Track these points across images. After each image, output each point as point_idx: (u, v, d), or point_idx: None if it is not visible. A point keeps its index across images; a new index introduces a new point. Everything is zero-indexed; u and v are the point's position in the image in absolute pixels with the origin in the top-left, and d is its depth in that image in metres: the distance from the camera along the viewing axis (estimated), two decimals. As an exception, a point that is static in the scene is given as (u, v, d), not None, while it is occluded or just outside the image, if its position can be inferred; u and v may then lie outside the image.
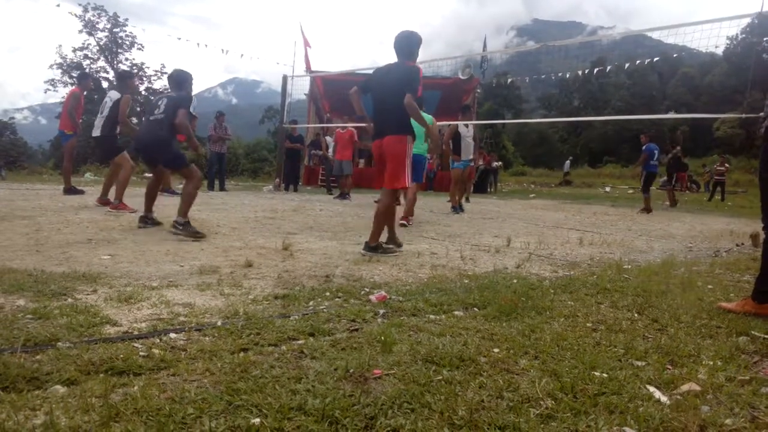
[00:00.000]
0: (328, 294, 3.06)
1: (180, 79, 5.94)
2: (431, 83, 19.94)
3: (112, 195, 7.42)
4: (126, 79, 8.13)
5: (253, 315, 2.52)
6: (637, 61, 16.59)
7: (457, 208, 9.50)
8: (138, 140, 5.84)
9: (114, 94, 7.61)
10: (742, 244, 6.43)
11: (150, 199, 5.96)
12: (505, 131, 50.32)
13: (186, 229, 5.11)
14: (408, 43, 4.75)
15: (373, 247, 4.62)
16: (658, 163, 12.38)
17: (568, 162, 40.58)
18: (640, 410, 1.63)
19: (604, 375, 1.90)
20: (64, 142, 9.43)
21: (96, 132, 7.56)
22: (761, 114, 3.17)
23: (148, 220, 5.78)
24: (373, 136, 4.84)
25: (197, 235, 5.08)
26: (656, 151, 12.29)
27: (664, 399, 1.75)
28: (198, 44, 19.93)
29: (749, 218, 10.38)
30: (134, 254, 4.09)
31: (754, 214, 9.88)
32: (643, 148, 12.30)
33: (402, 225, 6.75)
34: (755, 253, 5.24)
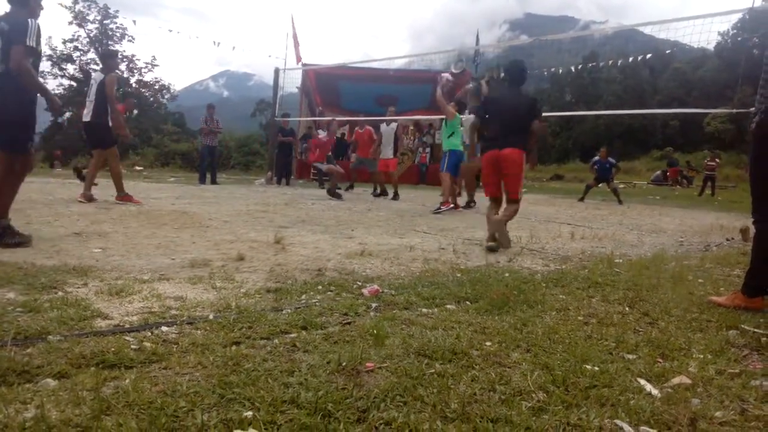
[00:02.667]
0: (320, 287, 3.06)
1: None
2: (424, 77, 19.90)
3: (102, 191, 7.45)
4: (107, 59, 7.65)
5: (245, 308, 2.51)
6: (630, 58, 16.62)
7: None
8: None
9: (98, 76, 7.29)
10: (732, 238, 6.47)
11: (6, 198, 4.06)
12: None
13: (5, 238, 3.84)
14: (526, 75, 5.65)
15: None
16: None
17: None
18: (631, 403, 1.65)
19: (596, 368, 1.91)
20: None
21: (86, 118, 7.26)
22: (752, 109, 3.19)
23: None
24: (489, 146, 5.39)
25: (21, 243, 3.84)
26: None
27: (655, 392, 1.76)
28: (189, 36, 19.77)
29: (739, 213, 10.45)
30: (125, 247, 4.06)
31: (744, 208, 9.95)
32: (613, 161, 13.94)
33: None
34: (745, 248, 5.28)
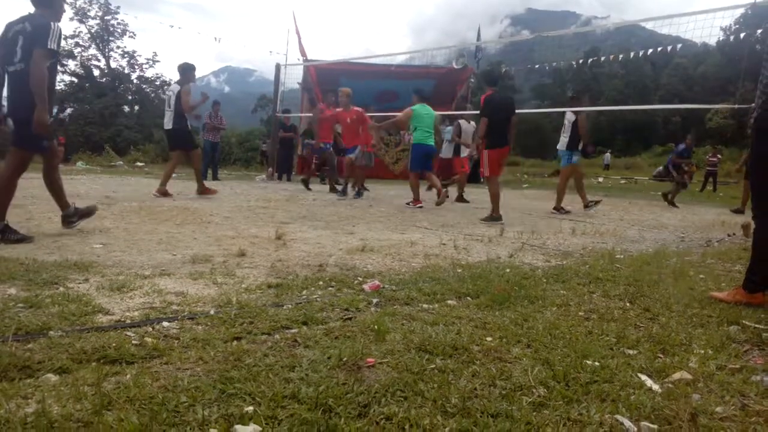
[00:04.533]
0: (321, 283, 3.06)
1: None
2: (425, 72, 19.85)
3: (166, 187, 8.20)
4: (186, 72, 8.31)
5: (246, 304, 2.52)
6: (632, 54, 16.58)
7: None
8: (8, 109, 4.16)
9: (175, 87, 8.14)
10: (734, 234, 6.47)
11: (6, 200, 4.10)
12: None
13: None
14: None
15: (496, 217, 6.81)
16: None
17: (608, 154, 40.63)
18: (631, 398, 1.65)
19: (596, 363, 1.91)
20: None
21: (168, 125, 8.17)
22: (752, 105, 3.19)
23: (71, 218, 4.45)
24: (497, 145, 7.01)
25: (24, 239, 3.91)
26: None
27: (655, 387, 1.76)
28: (190, 32, 19.75)
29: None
30: (126, 243, 4.07)
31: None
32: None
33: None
34: (746, 243, 5.27)
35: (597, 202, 8.82)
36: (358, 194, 9.78)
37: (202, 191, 8.25)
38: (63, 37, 4.08)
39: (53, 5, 4.14)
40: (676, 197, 11.44)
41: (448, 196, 9.24)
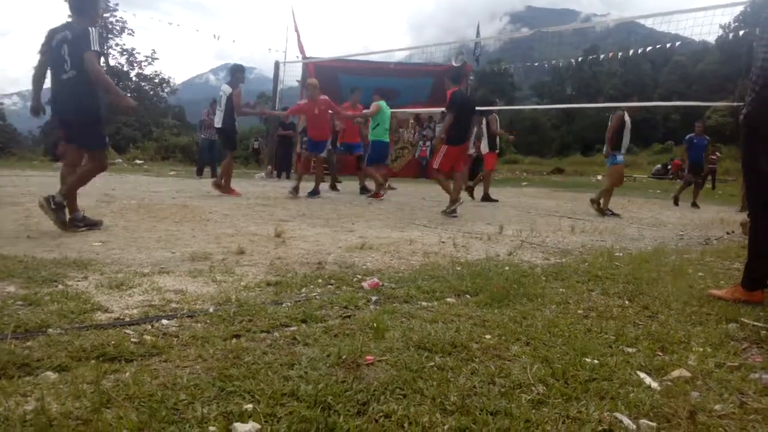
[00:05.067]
0: (320, 281, 3.06)
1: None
2: (424, 70, 19.81)
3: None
4: (236, 73, 8.65)
5: (245, 302, 2.52)
6: (630, 51, 16.60)
7: (609, 212, 8.47)
8: (56, 112, 4.56)
9: (226, 88, 8.48)
10: (733, 232, 6.48)
11: (73, 197, 4.53)
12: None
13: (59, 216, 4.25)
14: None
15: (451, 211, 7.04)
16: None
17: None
18: (630, 396, 1.65)
19: (595, 361, 1.92)
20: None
21: (218, 124, 8.69)
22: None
23: (78, 222, 4.47)
24: (459, 141, 7.17)
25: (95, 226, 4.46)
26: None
27: (654, 385, 1.76)
28: (189, 29, 19.68)
29: (739, 206, 10.42)
30: (125, 241, 4.06)
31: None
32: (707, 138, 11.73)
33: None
34: (745, 241, 5.26)
35: (615, 215, 8.38)
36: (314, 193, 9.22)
37: (226, 190, 8.46)
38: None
39: (89, 13, 4.50)
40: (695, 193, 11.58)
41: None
